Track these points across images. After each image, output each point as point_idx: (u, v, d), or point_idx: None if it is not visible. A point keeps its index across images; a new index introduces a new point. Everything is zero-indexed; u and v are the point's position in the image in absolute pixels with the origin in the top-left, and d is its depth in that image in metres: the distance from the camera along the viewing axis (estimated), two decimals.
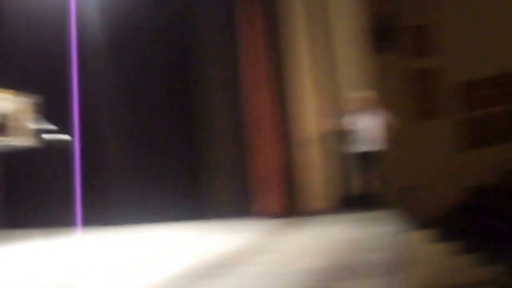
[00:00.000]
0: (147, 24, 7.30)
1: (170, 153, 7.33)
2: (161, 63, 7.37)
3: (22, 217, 6.69)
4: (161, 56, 7.35)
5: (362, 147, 6.96)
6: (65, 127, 3.88)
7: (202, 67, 7.35)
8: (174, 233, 6.22)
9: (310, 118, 7.28)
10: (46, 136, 3.36)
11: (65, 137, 3.50)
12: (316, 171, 7.24)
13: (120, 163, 7.35)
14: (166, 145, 7.35)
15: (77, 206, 6.46)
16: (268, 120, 7.04)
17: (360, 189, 6.96)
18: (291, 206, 7.00)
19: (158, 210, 7.03)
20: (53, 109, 5.37)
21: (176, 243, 5.50)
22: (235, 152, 7.32)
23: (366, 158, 6.88)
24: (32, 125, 3.20)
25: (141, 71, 7.37)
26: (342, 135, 7.06)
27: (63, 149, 3.57)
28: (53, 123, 3.46)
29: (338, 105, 7.26)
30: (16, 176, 6.45)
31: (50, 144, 3.44)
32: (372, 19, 8.34)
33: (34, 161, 6.20)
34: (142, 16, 7.26)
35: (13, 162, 5.73)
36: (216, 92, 7.33)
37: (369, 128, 6.97)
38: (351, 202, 6.93)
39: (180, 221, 6.79)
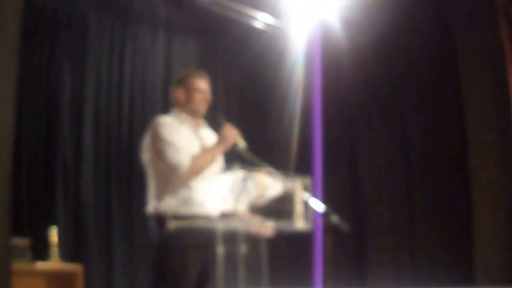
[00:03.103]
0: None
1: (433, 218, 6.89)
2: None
3: None
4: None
5: None
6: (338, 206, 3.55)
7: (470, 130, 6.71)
8: None
9: None
10: (319, 218, 3.03)
11: (338, 219, 3.15)
12: None
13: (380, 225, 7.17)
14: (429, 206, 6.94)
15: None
16: None
17: None
18: None
19: (416, 275, 6.74)
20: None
21: None
22: (505, 216, 6.51)
23: None
24: (304, 207, 2.86)
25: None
26: None
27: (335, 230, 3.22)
28: (326, 203, 3.13)
29: None
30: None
31: (325, 227, 3.12)
32: None
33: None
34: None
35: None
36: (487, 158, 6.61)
37: None
38: None
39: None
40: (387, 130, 7.43)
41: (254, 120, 7.20)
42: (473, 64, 6.80)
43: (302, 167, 7.13)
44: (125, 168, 6.13)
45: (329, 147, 7.30)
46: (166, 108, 6.43)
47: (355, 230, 7.35)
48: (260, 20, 6.60)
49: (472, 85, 6.87)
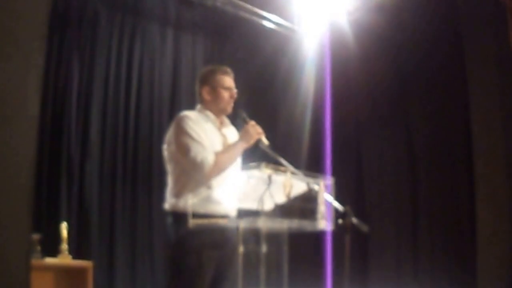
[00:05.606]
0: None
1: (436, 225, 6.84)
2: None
3: None
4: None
5: None
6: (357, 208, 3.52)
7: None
8: None
9: None
10: (339, 219, 2.99)
11: (358, 220, 3.11)
12: None
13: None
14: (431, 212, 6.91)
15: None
16: None
17: None
18: None
19: (419, 279, 6.76)
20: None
21: None
22: (508, 222, 6.48)
23: None
24: (325, 208, 2.83)
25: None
26: None
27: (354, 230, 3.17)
28: (344, 204, 3.08)
29: None
30: None
31: (343, 227, 3.06)
32: None
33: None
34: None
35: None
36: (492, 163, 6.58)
37: None
38: None
39: None
40: (394, 133, 7.42)
41: (264, 121, 7.14)
42: (481, 68, 6.79)
43: (311, 169, 7.09)
44: (130, 164, 6.10)
45: (337, 149, 7.28)
46: (172, 105, 6.38)
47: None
48: (271, 20, 6.56)
49: (479, 90, 6.86)
